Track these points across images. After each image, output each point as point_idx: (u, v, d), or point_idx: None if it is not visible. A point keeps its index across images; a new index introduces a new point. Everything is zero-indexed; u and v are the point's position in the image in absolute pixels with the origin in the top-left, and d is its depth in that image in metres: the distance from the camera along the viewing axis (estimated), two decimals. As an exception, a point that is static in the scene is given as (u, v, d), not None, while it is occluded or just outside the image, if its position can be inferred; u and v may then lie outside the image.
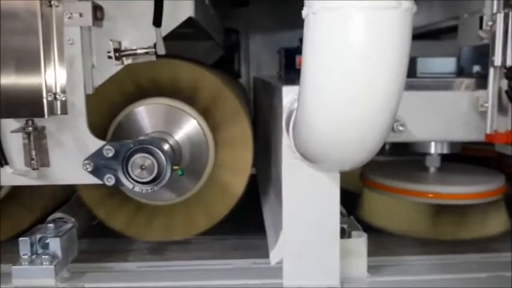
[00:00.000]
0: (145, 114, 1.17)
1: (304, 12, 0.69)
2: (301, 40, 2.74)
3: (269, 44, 3.23)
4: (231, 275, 1.06)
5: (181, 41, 1.48)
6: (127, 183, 1.02)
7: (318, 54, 0.68)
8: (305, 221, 0.95)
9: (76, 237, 1.12)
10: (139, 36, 1.08)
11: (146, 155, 0.99)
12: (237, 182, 1.20)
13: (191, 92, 1.19)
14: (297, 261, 0.95)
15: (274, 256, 0.97)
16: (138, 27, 1.07)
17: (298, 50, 3.14)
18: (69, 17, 1.02)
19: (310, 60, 0.71)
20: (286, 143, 0.92)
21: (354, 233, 1.01)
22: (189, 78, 1.19)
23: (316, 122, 0.71)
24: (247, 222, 1.35)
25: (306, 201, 0.95)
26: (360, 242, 0.98)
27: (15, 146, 1.05)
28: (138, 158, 1.00)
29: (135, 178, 1.00)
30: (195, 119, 1.17)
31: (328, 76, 0.67)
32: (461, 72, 2.20)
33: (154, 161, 1.00)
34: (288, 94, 0.92)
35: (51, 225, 1.09)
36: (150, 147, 1.00)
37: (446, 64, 2.17)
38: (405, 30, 0.64)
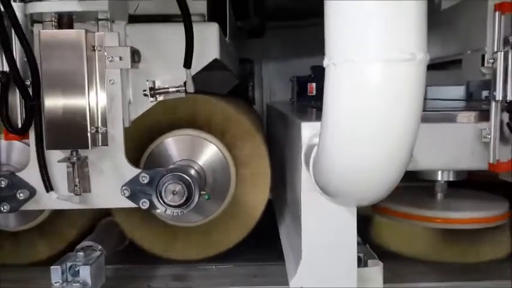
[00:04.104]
0: (174, 145, 1.29)
1: (325, 62, 0.78)
2: (312, 68, 2.89)
3: (281, 71, 3.38)
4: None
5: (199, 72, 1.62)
6: (160, 207, 1.13)
7: (338, 99, 0.76)
8: (324, 251, 1.02)
9: (104, 265, 1.20)
10: (170, 76, 1.21)
11: (177, 181, 1.10)
12: (256, 205, 1.31)
13: (215, 124, 1.31)
14: (318, 283, 1.02)
15: (294, 284, 1.04)
16: (169, 68, 1.21)
17: (310, 79, 3.28)
18: (111, 60, 1.15)
19: (330, 104, 0.79)
20: (305, 176, 1.00)
21: (370, 261, 1.08)
22: (208, 111, 1.32)
23: (336, 160, 0.78)
24: (265, 247, 1.42)
25: (324, 231, 1.02)
26: (376, 270, 1.05)
27: (59, 173, 1.17)
28: (170, 184, 1.11)
29: (168, 202, 1.11)
30: (216, 146, 1.29)
31: (347, 119, 0.74)
32: (470, 97, 2.29)
33: (184, 186, 1.11)
34: (307, 130, 1.01)
35: (81, 253, 1.17)
36: (181, 174, 1.12)
37: (456, 92, 2.29)
38: (419, 79, 0.72)
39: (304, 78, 3.16)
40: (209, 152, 1.28)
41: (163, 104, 1.22)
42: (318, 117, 1.19)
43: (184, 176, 1.11)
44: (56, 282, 1.09)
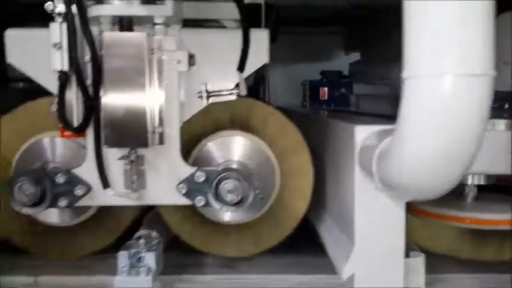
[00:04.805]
0: (222, 145, 1.33)
1: (405, 75, 0.86)
2: (321, 73, 3.01)
3: (288, 75, 3.46)
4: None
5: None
6: (215, 205, 1.18)
7: (415, 107, 0.85)
8: (374, 242, 1.11)
9: (162, 252, 1.25)
10: (220, 79, 1.26)
11: (234, 180, 1.16)
12: (299, 205, 1.37)
13: (260, 125, 1.36)
14: (367, 276, 1.10)
15: (346, 271, 1.12)
16: (219, 72, 1.26)
17: (322, 83, 3.37)
18: (169, 63, 1.20)
19: (407, 112, 0.87)
20: (359, 175, 1.09)
21: (411, 253, 1.16)
22: (259, 114, 1.37)
23: (410, 156, 0.86)
24: (296, 242, 1.47)
25: (376, 224, 1.10)
26: (419, 261, 1.14)
27: (116, 171, 1.21)
28: (227, 183, 1.16)
29: (224, 200, 1.16)
30: (263, 149, 1.33)
31: (424, 127, 0.84)
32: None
33: (240, 185, 1.16)
34: (361, 133, 1.10)
35: (142, 240, 1.22)
36: (237, 174, 1.17)
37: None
38: (489, 90, 0.82)
39: (316, 82, 3.25)
40: (257, 155, 1.32)
41: (213, 106, 1.27)
42: (363, 121, 1.26)
43: (241, 175, 1.16)
44: (123, 267, 1.13)
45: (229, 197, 1.15)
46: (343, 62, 3.36)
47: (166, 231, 1.38)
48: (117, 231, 1.39)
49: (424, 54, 0.82)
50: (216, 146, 1.32)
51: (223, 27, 1.36)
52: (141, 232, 1.30)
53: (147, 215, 1.44)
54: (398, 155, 0.89)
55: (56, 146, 1.31)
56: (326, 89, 3.12)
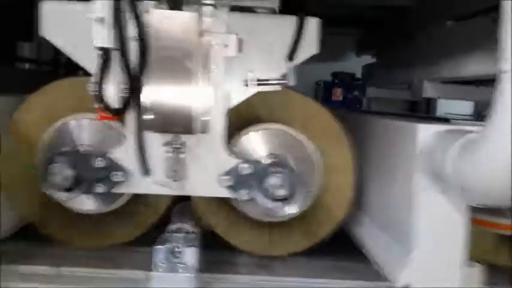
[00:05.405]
0: (264, 137, 1.24)
1: (503, 68, 0.81)
2: (333, 74, 2.99)
3: (298, 75, 3.41)
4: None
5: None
6: (261, 200, 1.12)
7: None
8: (434, 248, 1.05)
9: (199, 247, 1.17)
10: (266, 67, 1.19)
11: (283, 174, 1.09)
12: (340, 206, 1.30)
13: (302, 119, 1.28)
14: (423, 284, 1.04)
15: (402, 279, 1.05)
16: (266, 60, 1.18)
17: (336, 84, 3.35)
18: (217, 47, 1.13)
19: (505, 106, 0.81)
20: (419, 176, 1.03)
21: (467, 262, 1.09)
22: (301, 107, 1.30)
23: (506, 155, 0.81)
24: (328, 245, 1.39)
25: (437, 229, 1.05)
26: (475, 271, 1.07)
27: (157, 158, 1.14)
28: (277, 177, 1.09)
29: (271, 195, 1.09)
30: (307, 145, 1.26)
31: None
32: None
33: (289, 180, 1.09)
34: (423, 132, 1.04)
35: (180, 234, 1.13)
36: (286, 168, 1.11)
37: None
38: None
39: (331, 83, 3.21)
40: (301, 151, 1.24)
41: (259, 95, 1.20)
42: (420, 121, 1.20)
43: (289, 170, 1.10)
44: (160, 263, 1.05)
45: (278, 192, 1.09)
46: (353, 64, 3.33)
47: (198, 221, 1.31)
48: (149, 222, 1.31)
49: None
50: (256, 138, 1.24)
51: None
52: (176, 225, 1.22)
53: (177, 206, 1.36)
54: (489, 153, 0.83)
55: (87, 128, 1.22)
56: (339, 90, 3.08)
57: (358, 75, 3.28)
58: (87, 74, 1.17)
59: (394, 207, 1.18)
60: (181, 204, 1.37)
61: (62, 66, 2.37)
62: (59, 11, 1.16)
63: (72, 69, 2.31)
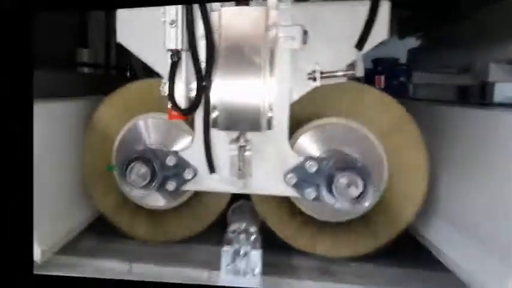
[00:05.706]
0: (328, 132, 1.19)
1: None
2: (374, 61, 2.86)
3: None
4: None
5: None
6: (329, 199, 1.08)
7: None
8: None
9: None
10: (331, 58, 1.12)
11: (354, 172, 1.05)
12: (408, 208, 1.21)
13: (372, 114, 1.19)
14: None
15: None
16: (331, 50, 1.11)
17: (377, 71, 3.19)
18: (283, 40, 1.09)
19: None
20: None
21: None
22: (372, 101, 1.20)
23: None
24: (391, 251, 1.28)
25: None
26: None
27: (222, 156, 1.13)
28: (345, 175, 1.05)
29: (341, 194, 1.05)
30: (375, 143, 1.19)
31: None
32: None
33: (361, 178, 1.04)
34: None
35: (242, 236, 1.13)
36: (357, 165, 1.06)
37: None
38: None
39: (371, 70, 3.07)
40: (368, 149, 1.18)
41: (317, 89, 1.13)
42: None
43: (361, 167, 1.05)
44: (228, 265, 1.07)
45: (346, 191, 1.05)
46: (396, 48, 3.17)
47: (258, 224, 1.29)
48: (208, 219, 1.31)
49: None
50: (318, 133, 1.19)
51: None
52: (237, 225, 1.20)
53: (233, 206, 1.35)
54: None
55: (158, 127, 1.25)
56: (382, 77, 2.94)
57: (402, 60, 3.14)
58: (147, 76, 1.19)
59: (488, 213, 1.07)
60: (238, 204, 1.36)
61: (112, 69, 2.55)
62: (133, 18, 1.17)
63: (121, 71, 2.57)
